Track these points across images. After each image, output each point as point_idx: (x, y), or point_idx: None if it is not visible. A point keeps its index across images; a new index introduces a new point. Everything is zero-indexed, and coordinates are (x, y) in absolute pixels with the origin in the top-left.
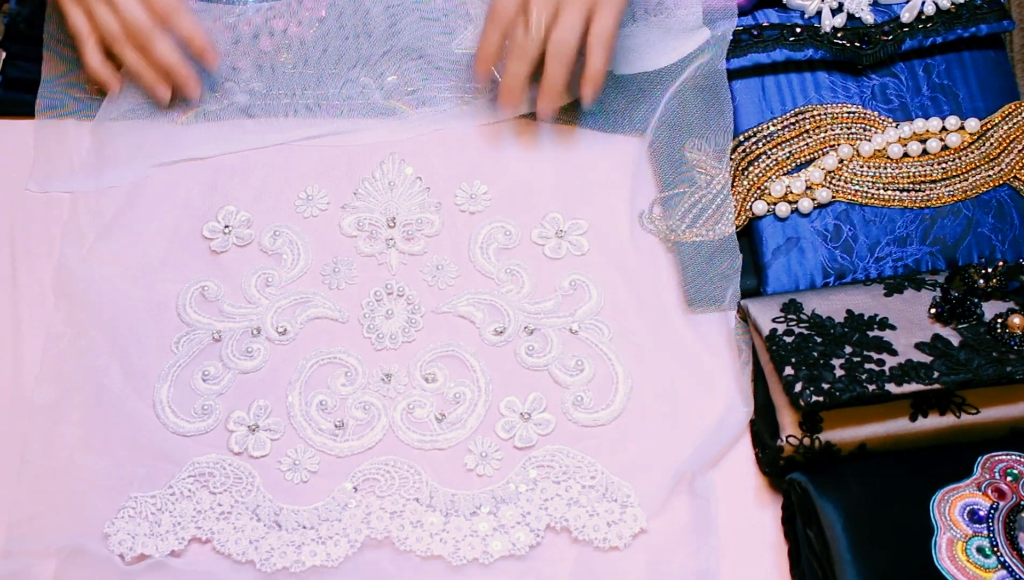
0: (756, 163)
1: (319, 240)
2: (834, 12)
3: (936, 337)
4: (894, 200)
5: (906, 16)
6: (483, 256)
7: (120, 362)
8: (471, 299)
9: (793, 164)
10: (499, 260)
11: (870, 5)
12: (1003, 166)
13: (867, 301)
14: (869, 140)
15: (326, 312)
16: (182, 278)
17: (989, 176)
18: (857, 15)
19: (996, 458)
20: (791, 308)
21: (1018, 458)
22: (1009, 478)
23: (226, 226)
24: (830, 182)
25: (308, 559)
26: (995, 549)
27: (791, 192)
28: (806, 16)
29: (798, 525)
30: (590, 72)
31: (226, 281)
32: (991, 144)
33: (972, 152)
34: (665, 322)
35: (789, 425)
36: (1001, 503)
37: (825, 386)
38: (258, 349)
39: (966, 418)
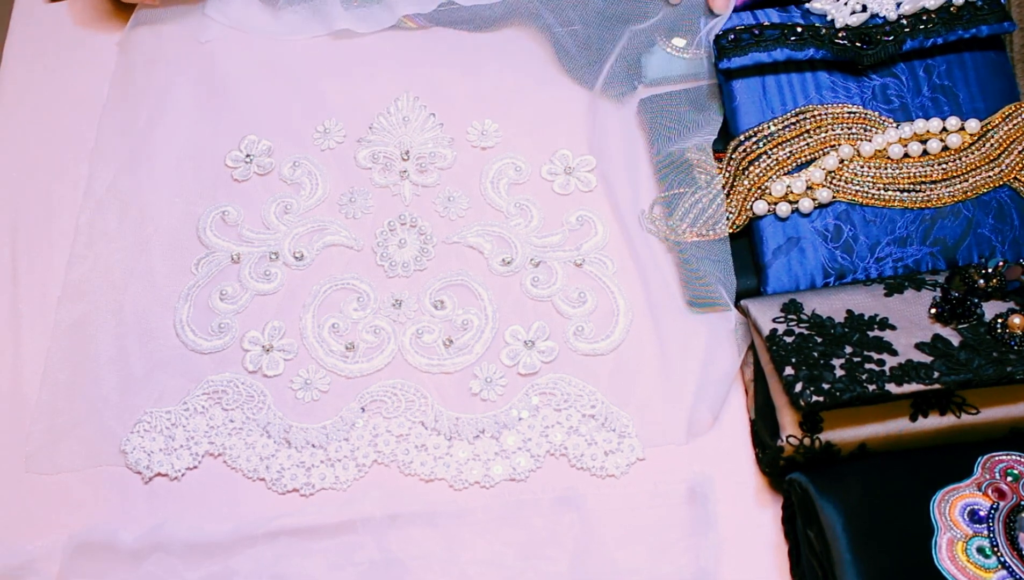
0: (757, 163)
1: (336, 171)
2: (855, 12)
3: (936, 337)
4: (894, 200)
5: (907, 7)
6: (494, 190)
7: (141, 282)
8: (481, 230)
9: (794, 164)
10: (509, 194)
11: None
12: (1003, 167)
13: (867, 301)
14: (870, 140)
15: (341, 240)
16: (203, 203)
17: (989, 177)
18: (882, 14)
19: (996, 458)
20: (791, 308)
21: (1018, 458)
22: (1009, 478)
23: (248, 156)
24: (831, 182)
25: (317, 482)
26: (995, 549)
27: (792, 192)
28: (828, 19)
29: (798, 525)
30: None
31: (246, 207)
32: (991, 145)
33: (972, 153)
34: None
35: (789, 425)
36: (1001, 503)
37: (825, 386)
38: (275, 273)
39: (966, 418)
